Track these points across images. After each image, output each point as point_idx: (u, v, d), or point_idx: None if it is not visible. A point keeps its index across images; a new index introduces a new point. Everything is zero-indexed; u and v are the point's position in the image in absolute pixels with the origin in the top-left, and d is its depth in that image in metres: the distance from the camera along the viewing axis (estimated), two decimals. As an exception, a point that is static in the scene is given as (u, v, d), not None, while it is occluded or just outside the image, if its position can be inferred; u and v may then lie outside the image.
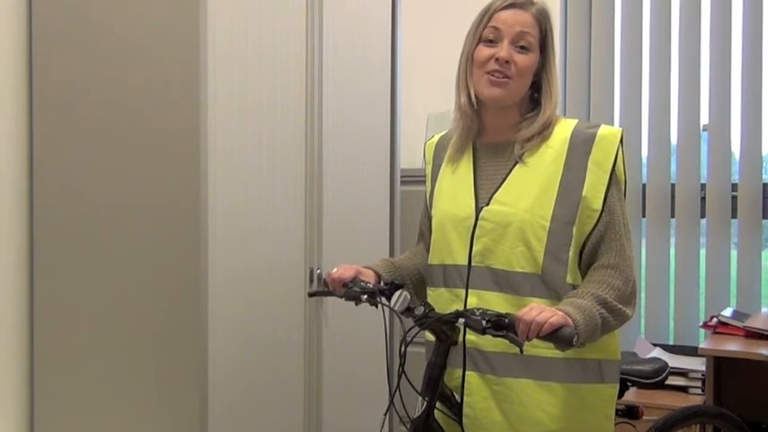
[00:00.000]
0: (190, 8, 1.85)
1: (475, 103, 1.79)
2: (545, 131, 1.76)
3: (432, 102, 3.55)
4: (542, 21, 1.78)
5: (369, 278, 1.82)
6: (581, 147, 1.73)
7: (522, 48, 1.74)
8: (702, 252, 3.44)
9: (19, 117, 2.06)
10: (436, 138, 2.00)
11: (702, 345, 2.91)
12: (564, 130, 1.77)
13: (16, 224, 2.06)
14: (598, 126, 1.76)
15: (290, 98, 2.19)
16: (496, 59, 1.73)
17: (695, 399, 2.98)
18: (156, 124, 1.91)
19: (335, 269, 1.82)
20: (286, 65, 2.16)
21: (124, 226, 1.95)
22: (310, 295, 2.21)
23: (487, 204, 1.76)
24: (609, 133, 1.73)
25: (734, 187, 3.37)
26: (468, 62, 1.78)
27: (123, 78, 1.94)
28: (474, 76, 1.77)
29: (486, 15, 1.77)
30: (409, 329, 1.66)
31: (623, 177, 1.76)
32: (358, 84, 2.53)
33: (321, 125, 2.32)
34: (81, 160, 2.00)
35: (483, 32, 1.76)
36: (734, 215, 3.37)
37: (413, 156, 3.45)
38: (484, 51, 1.75)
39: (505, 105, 1.77)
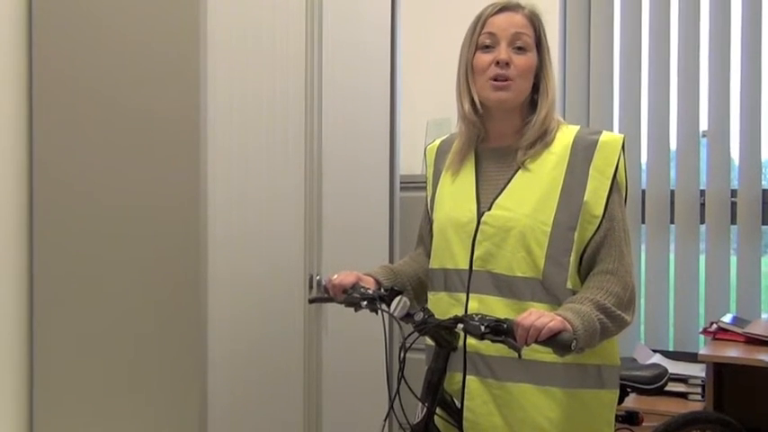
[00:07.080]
0: (190, 7, 1.85)
1: (480, 109, 1.80)
2: (547, 137, 1.77)
3: (431, 108, 3.56)
4: (535, 21, 1.80)
5: (369, 285, 1.82)
6: (583, 153, 1.73)
7: (519, 49, 1.76)
8: (702, 258, 3.44)
9: (19, 117, 2.06)
10: (437, 142, 2.00)
11: (702, 351, 2.91)
12: (566, 136, 1.77)
13: (16, 224, 2.06)
14: (600, 132, 1.76)
15: (290, 103, 2.19)
16: (497, 63, 1.74)
17: (695, 405, 2.98)
18: (155, 125, 1.91)
19: (336, 275, 1.82)
20: (285, 69, 2.17)
21: (123, 228, 1.95)
22: (310, 301, 2.21)
23: (489, 209, 1.76)
24: (611, 140, 1.74)
25: (733, 193, 3.37)
26: (469, 70, 1.79)
27: (123, 78, 1.94)
28: (477, 83, 1.78)
29: (480, 22, 1.79)
30: (408, 335, 1.67)
31: (624, 184, 1.77)
32: (358, 90, 2.53)
33: (321, 131, 2.32)
34: (80, 160, 2.00)
35: (479, 39, 1.78)
36: (733, 221, 3.37)
37: (412, 162, 3.45)
38: (483, 58, 1.76)
39: (510, 108, 1.78)
